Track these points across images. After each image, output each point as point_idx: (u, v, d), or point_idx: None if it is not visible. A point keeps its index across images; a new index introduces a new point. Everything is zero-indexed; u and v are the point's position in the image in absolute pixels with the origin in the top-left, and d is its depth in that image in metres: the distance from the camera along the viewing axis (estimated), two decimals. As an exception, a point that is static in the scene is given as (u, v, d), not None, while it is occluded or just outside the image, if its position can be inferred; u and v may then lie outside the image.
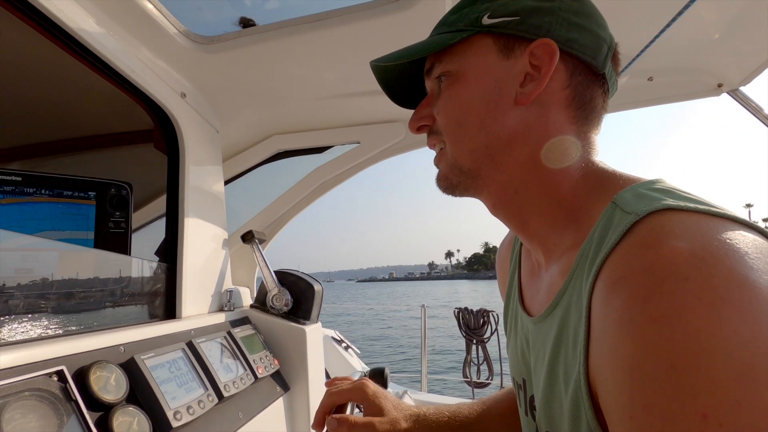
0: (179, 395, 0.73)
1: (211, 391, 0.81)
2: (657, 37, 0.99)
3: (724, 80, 1.28)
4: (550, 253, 0.52)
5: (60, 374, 0.58)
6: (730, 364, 0.28)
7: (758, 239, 0.34)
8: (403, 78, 0.60)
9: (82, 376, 0.61)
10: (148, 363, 0.72)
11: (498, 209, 0.55)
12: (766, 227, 0.36)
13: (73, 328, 0.74)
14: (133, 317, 0.92)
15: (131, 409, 0.64)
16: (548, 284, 0.52)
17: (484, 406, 0.75)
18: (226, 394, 0.84)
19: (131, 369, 0.69)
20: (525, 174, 0.50)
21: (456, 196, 0.56)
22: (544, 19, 0.48)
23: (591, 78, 0.50)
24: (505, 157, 0.50)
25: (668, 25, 0.97)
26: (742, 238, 0.33)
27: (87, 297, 0.82)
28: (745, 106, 1.31)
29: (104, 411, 0.61)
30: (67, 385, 0.58)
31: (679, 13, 0.93)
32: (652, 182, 0.44)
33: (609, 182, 0.47)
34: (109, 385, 0.64)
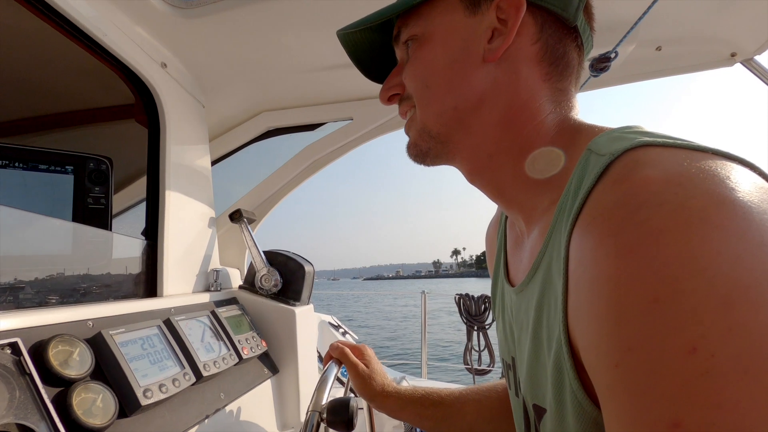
0: (151, 373, 0.69)
1: (188, 369, 0.77)
2: (656, 1, 0.91)
3: (737, 49, 1.20)
4: (531, 218, 0.49)
5: (14, 346, 0.54)
6: (716, 287, 0.25)
7: (740, 167, 0.30)
8: (375, 50, 0.57)
9: (40, 350, 0.57)
10: (117, 339, 0.68)
11: (474, 175, 0.52)
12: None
13: (41, 304, 0.70)
14: (110, 294, 0.88)
15: (95, 385, 0.60)
16: (530, 249, 0.48)
17: (464, 391, 0.75)
18: (205, 374, 0.80)
19: (98, 344, 0.65)
20: (497, 136, 0.47)
21: (427, 164, 0.53)
22: None
23: (563, 31, 0.47)
24: (476, 119, 0.47)
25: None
26: (721, 164, 0.30)
27: (59, 272, 0.78)
28: (760, 77, 1.23)
29: (64, 387, 0.57)
30: (21, 358, 0.54)
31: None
32: (629, 127, 0.40)
33: (584, 134, 0.44)
34: (72, 360, 0.60)
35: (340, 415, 0.69)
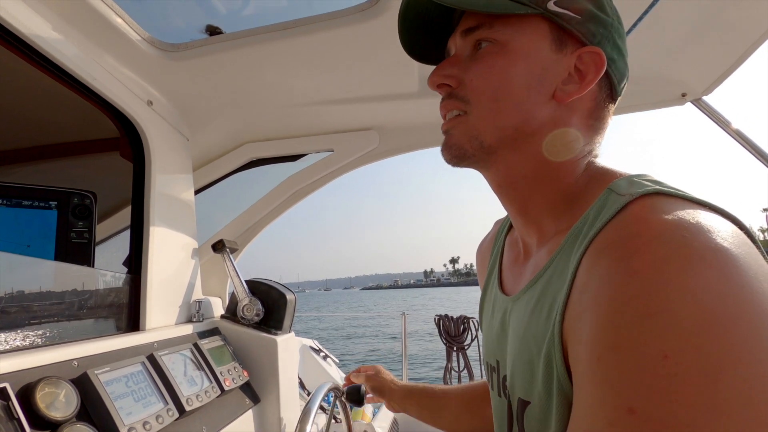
0: (135, 410, 0.71)
1: (171, 405, 0.79)
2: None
3: (687, 89, 1.31)
4: (544, 238, 0.54)
5: (2, 392, 0.56)
6: (696, 312, 0.30)
7: (732, 225, 0.37)
8: (425, 21, 0.56)
9: (27, 394, 0.59)
10: (102, 378, 0.70)
11: (503, 189, 0.56)
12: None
13: (26, 343, 0.71)
14: (93, 331, 0.89)
15: (80, 426, 0.62)
16: (534, 264, 0.54)
17: (450, 388, 0.94)
18: (188, 408, 0.82)
19: (83, 384, 0.67)
20: (538, 163, 0.52)
21: (460, 167, 0.54)
22: (600, 29, 0.49)
23: (609, 98, 0.53)
24: (526, 143, 0.51)
25: (627, 33, 0.99)
26: (721, 222, 0.36)
27: (43, 311, 0.80)
28: (708, 116, 1.35)
29: (51, 429, 0.59)
30: (10, 402, 0.55)
31: (636, 23, 0.96)
32: (645, 175, 0.47)
33: (606, 176, 0.50)
34: (58, 401, 0.62)
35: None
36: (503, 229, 0.70)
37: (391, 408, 1.02)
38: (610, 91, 0.52)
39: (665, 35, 1.10)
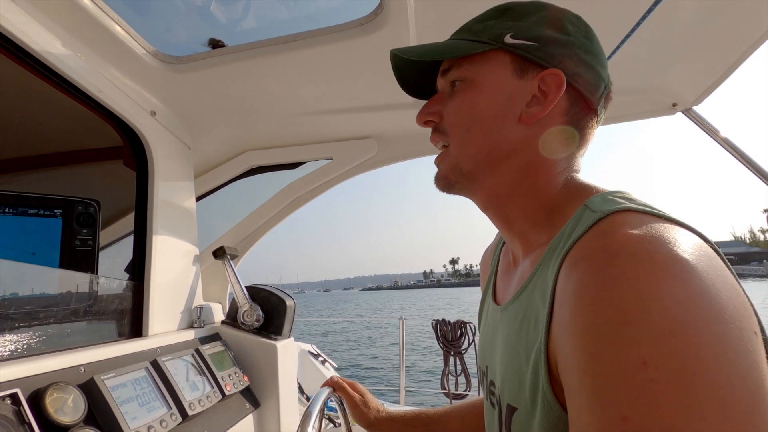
0: (140, 415, 0.73)
1: (174, 409, 0.81)
2: (610, 57, 1.04)
3: (678, 100, 1.34)
4: (528, 250, 0.57)
5: (14, 397, 0.58)
6: (667, 319, 0.32)
7: (696, 238, 0.40)
8: (417, 66, 0.62)
9: (37, 399, 0.61)
10: (109, 383, 0.72)
11: (488, 208, 0.60)
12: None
13: (32, 348, 0.73)
14: (98, 336, 0.91)
15: (88, 430, 0.64)
16: (520, 275, 0.57)
17: (448, 409, 0.85)
18: (190, 413, 0.84)
19: (90, 390, 0.69)
20: (516, 181, 0.55)
21: (451, 194, 0.60)
22: (559, 50, 0.53)
23: (586, 111, 0.55)
24: (502, 165, 0.55)
25: (619, 46, 1.03)
26: (683, 235, 0.39)
27: (49, 317, 0.82)
28: (698, 125, 1.38)
29: (60, 433, 0.61)
30: (21, 408, 0.58)
31: (627, 35, 0.99)
32: (620, 192, 0.49)
33: (584, 191, 0.53)
34: (66, 406, 0.64)
35: None
36: (502, 238, 0.73)
37: None
38: (585, 104, 0.54)
39: (656, 47, 1.14)
